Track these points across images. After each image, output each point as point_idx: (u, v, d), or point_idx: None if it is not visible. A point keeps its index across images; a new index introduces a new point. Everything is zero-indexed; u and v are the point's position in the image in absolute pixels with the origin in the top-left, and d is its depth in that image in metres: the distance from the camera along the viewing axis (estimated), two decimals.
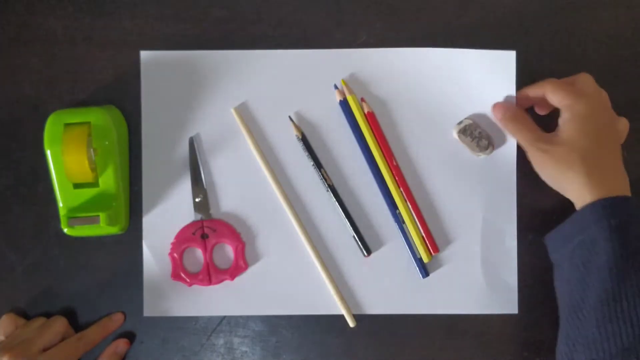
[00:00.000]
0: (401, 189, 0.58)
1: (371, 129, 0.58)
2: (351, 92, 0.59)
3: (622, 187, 0.52)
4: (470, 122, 0.58)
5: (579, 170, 0.51)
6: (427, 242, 0.58)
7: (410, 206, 0.58)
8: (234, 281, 0.58)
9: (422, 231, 0.58)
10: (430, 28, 0.59)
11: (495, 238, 0.58)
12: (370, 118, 0.58)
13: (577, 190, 0.52)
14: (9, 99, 0.59)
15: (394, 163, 0.58)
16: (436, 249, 0.58)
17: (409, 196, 0.58)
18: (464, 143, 0.58)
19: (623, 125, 0.55)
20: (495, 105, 0.58)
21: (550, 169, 0.53)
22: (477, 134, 0.57)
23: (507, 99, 0.58)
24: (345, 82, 0.59)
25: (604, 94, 0.55)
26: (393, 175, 0.58)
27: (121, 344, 0.58)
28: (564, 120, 0.54)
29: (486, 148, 0.57)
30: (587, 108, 0.53)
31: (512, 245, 0.58)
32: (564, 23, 0.60)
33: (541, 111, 0.58)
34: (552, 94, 0.54)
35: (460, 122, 0.58)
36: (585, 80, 0.55)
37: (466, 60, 0.59)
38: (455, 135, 0.58)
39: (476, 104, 0.59)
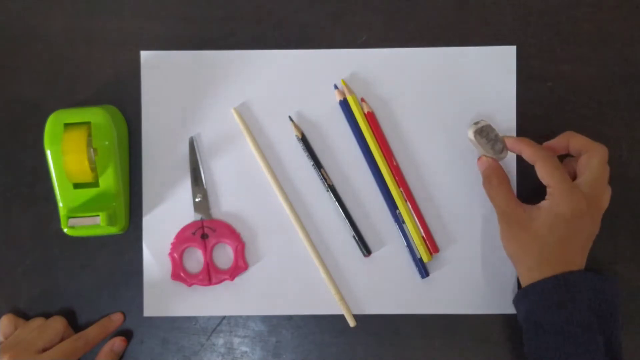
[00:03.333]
0: (401, 189, 0.58)
1: (371, 129, 0.58)
2: (351, 92, 0.59)
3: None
4: (487, 123, 0.56)
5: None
6: (427, 242, 0.58)
7: (410, 206, 0.58)
8: (234, 281, 0.58)
9: (422, 231, 0.58)
10: (429, 27, 0.59)
11: (495, 238, 0.58)
12: (370, 118, 0.58)
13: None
14: (9, 99, 0.59)
15: (394, 163, 0.58)
16: (436, 249, 0.58)
17: (409, 196, 0.58)
18: (479, 144, 0.56)
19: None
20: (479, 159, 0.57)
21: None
22: (493, 137, 0.56)
23: (508, 94, 0.58)
24: (345, 82, 0.59)
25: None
26: (393, 175, 0.58)
27: (117, 342, 0.58)
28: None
29: (500, 152, 0.56)
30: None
31: None
32: (564, 17, 0.60)
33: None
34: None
35: (477, 122, 0.56)
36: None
37: (466, 58, 0.59)
38: (471, 135, 0.56)
39: (477, 101, 0.59)
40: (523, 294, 0.53)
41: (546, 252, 0.52)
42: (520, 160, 0.58)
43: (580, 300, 0.51)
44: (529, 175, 0.58)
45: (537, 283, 0.52)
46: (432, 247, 0.58)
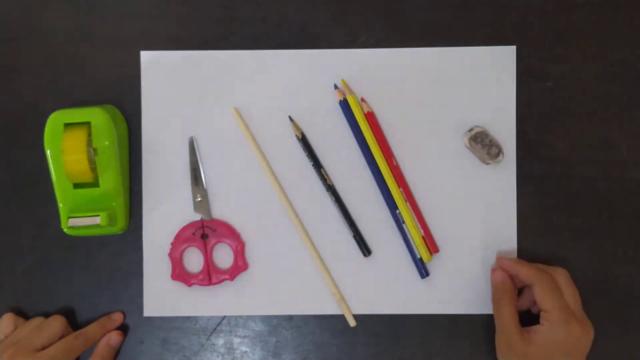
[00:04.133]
0: (401, 189, 0.58)
1: (371, 129, 0.58)
2: (351, 92, 0.59)
3: None
4: (481, 129, 0.57)
5: None
6: (427, 242, 0.58)
7: (410, 206, 0.58)
8: (234, 281, 0.58)
9: (422, 231, 0.58)
10: (430, 27, 0.59)
11: (495, 238, 0.58)
12: (370, 118, 0.58)
13: None
14: (9, 99, 0.59)
15: (394, 163, 0.58)
16: (436, 249, 0.58)
17: (409, 196, 0.58)
18: (475, 151, 0.57)
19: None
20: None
21: None
22: (488, 142, 0.57)
23: (508, 94, 0.58)
24: (345, 82, 0.59)
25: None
26: (393, 175, 0.58)
27: (114, 336, 0.58)
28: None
29: (496, 156, 0.57)
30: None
31: (512, 246, 0.58)
32: (564, 17, 0.60)
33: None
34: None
35: (470, 129, 0.57)
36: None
37: (466, 58, 0.59)
38: (466, 142, 0.57)
39: (477, 101, 0.59)
40: None
41: None
42: (519, 158, 0.58)
43: None
44: (530, 174, 0.58)
45: None
46: (432, 247, 0.58)
